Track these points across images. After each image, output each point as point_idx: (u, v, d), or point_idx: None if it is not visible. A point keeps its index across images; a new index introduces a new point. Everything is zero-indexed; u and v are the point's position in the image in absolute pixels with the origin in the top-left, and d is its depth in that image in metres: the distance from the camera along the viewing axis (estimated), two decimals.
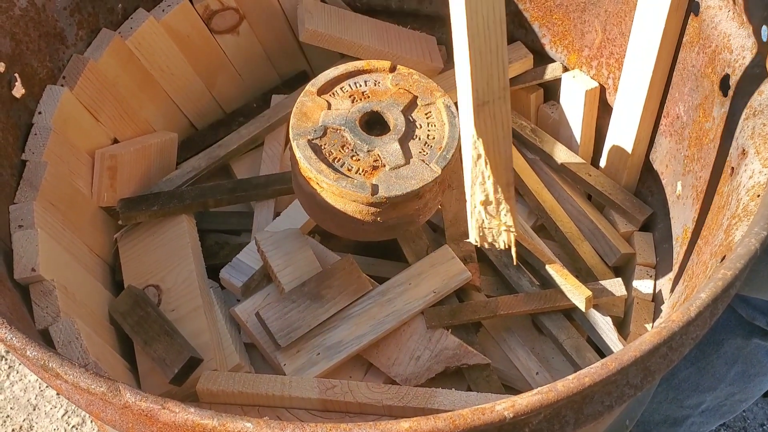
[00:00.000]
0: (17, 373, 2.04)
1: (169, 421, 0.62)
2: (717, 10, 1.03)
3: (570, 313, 1.18)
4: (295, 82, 1.49)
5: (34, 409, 1.98)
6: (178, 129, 1.41)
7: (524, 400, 0.62)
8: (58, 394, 1.92)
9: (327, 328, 1.14)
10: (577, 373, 0.64)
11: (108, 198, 1.23)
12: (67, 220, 1.12)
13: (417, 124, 1.08)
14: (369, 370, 1.17)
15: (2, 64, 1.04)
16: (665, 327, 0.65)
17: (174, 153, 1.37)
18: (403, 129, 1.06)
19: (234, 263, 1.21)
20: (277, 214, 1.30)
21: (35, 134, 1.10)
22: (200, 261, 1.23)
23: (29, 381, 2.02)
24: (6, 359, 2.06)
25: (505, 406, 0.62)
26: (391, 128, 1.07)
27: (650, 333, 0.66)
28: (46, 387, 1.98)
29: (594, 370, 0.64)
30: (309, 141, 1.04)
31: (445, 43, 1.51)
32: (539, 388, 0.63)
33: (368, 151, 1.04)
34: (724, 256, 0.83)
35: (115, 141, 1.29)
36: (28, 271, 0.96)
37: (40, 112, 1.12)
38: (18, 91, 1.08)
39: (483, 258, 1.25)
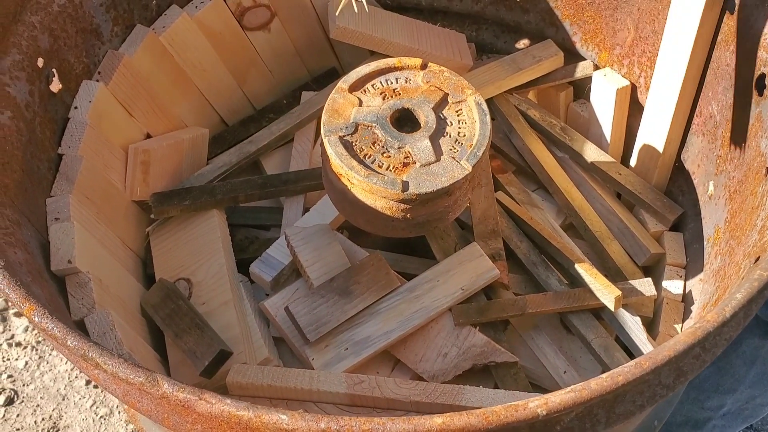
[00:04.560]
0: (47, 363, 2.08)
1: (205, 412, 0.63)
2: (753, 8, 1.02)
3: (599, 312, 1.18)
4: (325, 79, 1.49)
5: (63, 399, 2.01)
6: (209, 125, 1.42)
7: (557, 398, 0.62)
8: (87, 384, 1.95)
9: (355, 324, 1.15)
10: (611, 371, 0.64)
11: (141, 192, 1.24)
12: (101, 214, 1.14)
13: (448, 121, 1.08)
14: (396, 367, 1.18)
15: (41, 59, 1.05)
16: (700, 327, 0.65)
17: (205, 148, 1.38)
18: (434, 126, 1.06)
19: (264, 258, 1.22)
20: (306, 210, 1.31)
21: (71, 128, 1.12)
22: (231, 255, 1.24)
23: (59, 371, 2.05)
24: (36, 349, 2.09)
25: (538, 403, 0.62)
26: (421, 125, 1.07)
27: (684, 333, 0.66)
28: (75, 377, 2.02)
29: (628, 369, 0.63)
30: (340, 137, 1.05)
31: (474, 41, 1.51)
32: (573, 386, 0.63)
33: (399, 148, 1.04)
34: (759, 257, 0.82)
35: (148, 136, 1.30)
36: (65, 263, 0.97)
37: (76, 107, 1.13)
38: (55, 86, 1.09)
39: (511, 256, 1.25)
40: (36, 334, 2.11)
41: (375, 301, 1.16)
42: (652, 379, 0.69)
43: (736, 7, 1.05)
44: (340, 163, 1.02)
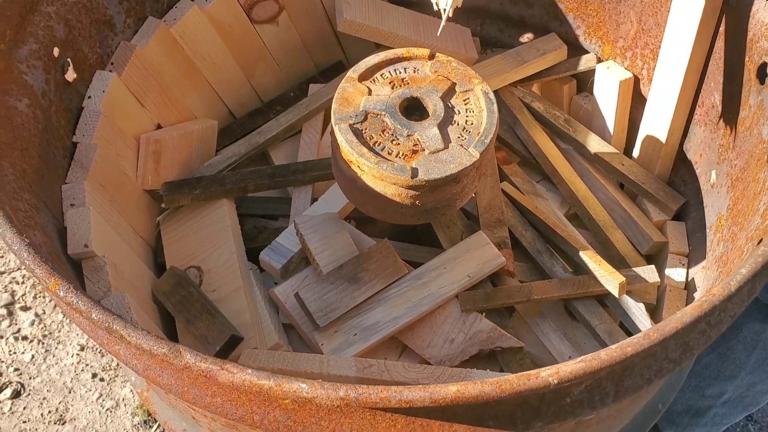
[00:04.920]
0: (53, 356, 2.09)
1: (227, 382, 0.65)
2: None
3: (603, 299, 1.20)
4: (332, 72, 1.52)
5: (70, 392, 2.02)
6: (218, 117, 1.44)
7: (568, 367, 0.64)
8: (93, 377, 1.96)
9: (364, 310, 1.17)
10: (620, 342, 0.66)
11: (152, 181, 1.26)
12: (114, 202, 1.16)
13: (455, 110, 1.10)
14: (403, 353, 1.20)
15: (57, 49, 1.07)
16: (706, 300, 0.67)
17: (214, 140, 1.40)
18: (442, 114, 1.08)
19: (273, 246, 1.24)
20: (314, 200, 1.33)
21: (86, 117, 1.14)
22: (240, 244, 1.26)
23: (65, 365, 2.06)
24: (43, 343, 2.11)
25: (549, 372, 0.64)
26: (430, 114, 1.09)
27: (691, 306, 0.68)
28: (82, 370, 2.03)
29: (636, 340, 0.66)
30: (350, 125, 1.07)
31: (479, 35, 1.53)
32: (583, 357, 0.65)
33: (408, 135, 1.07)
34: (761, 240, 0.84)
35: (158, 127, 1.32)
36: (81, 246, 0.99)
37: (89, 97, 1.15)
38: (70, 75, 1.11)
39: (517, 245, 1.27)
40: (42, 328, 2.13)
41: (383, 288, 1.18)
42: (659, 352, 0.71)
43: None
44: (350, 150, 1.04)
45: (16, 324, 2.15)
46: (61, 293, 0.70)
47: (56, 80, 1.09)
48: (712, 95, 1.16)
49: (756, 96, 1.03)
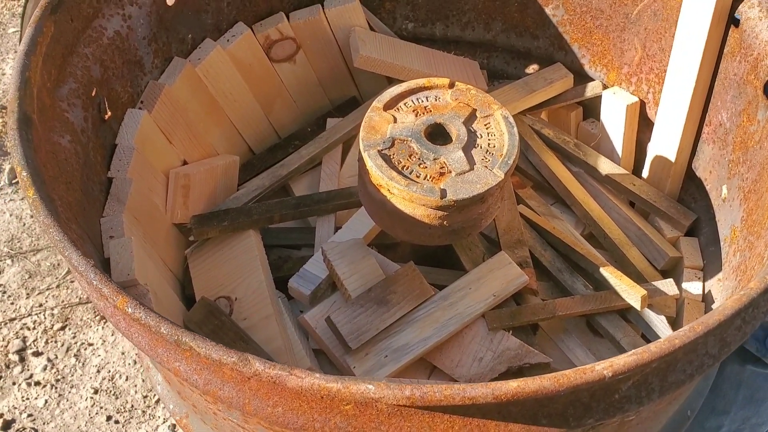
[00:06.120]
0: (67, 401, 2.09)
1: (296, 386, 0.68)
2: (757, 20, 1.11)
3: (624, 313, 1.24)
4: (346, 107, 1.57)
5: None
6: (238, 152, 1.48)
7: (621, 360, 0.68)
8: (107, 419, 1.97)
9: (393, 332, 1.19)
10: (668, 335, 0.69)
11: (181, 215, 1.30)
12: (147, 234, 1.19)
13: (478, 134, 1.15)
14: (432, 374, 1.22)
15: (94, 88, 1.12)
16: (744, 294, 0.71)
17: (236, 174, 1.44)
18: (466, 138, 1.13)
19: (301, 273, 1.28)
20: (337, 228, 1.36)
21: (120, 153, 1.17)
22: (268, 272, 1.29)
23: (78, 408, 2.06)
24: (56, 388, 2.11)
25: (604, 365, 0.67)
26: (453, 138, 1.14)
27: (731, 300, 0.72)
28: (96, 414, 2.03)
29: (683, 333, 0.69)
30: (379, 151, 1.11)
31: (486, 68, 1.60)
32: (634, 350, 0.69)
33: (434, 159, 1.11)
34: None
35: (184, 162, 1.36)
36: (125, 275, 1.02)
37: (123, 134, 1.19)
38: (106, 113, 1.16)
39: (537, 264, 1.31)
40: (55, 373, 2.13)
41: (411, 310, 1.21)
42: (701, 346, 0.74)
43: (741, 21, 1.13)
44: (380, 174, 1.09)
45: (29, 369, 2.16)
46: (130, 310, 0.73)
47: (93, 117, 1.13)
48: (720, 113, 1.22)
49: (764, 111, 1.09)
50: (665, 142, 1.33)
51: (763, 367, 1.31)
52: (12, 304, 2.24)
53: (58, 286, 2.30)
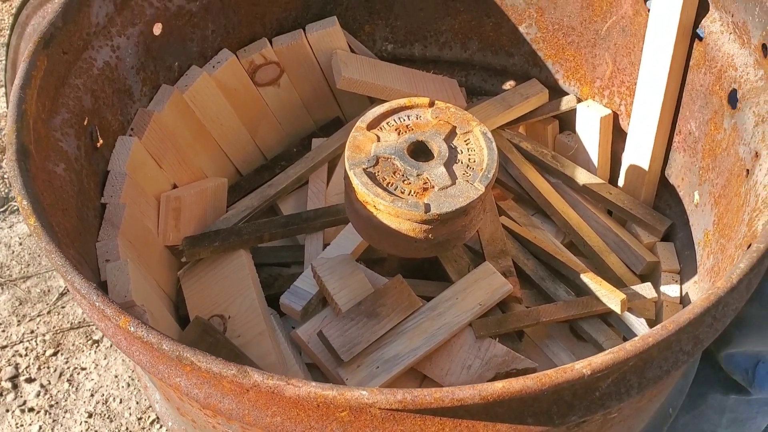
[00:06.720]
0: (61, 426, 2.11)
1: (293, 395, 0.72)
2: (719, 34, 1.16)
3: (606, 317, 1.28)
4: (330, 127, 1.61)
5: None
6: (226, 175, 1.52)
7: (599, 359, 0.72)
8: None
9: (384, 343, 1.23)
10: (642, 334, 0.74)
11: (173, 237, 1.33)
12: (141, 257, 1.23)
13: (458, 150, 1.20)
14: (423, 383, 1.26)
15: (86, 117, 1.15)
16: (712, 293, 0.76)
17: (225, 196, 1.48)
18: (447, 155, 1.18)
19: (292, 290, 1.31)
20: (325, 245, 1.40)
21: (112, 179, 1.21)
22: (260, 290, 1.33)
23: None
24: (49, 413, 2.12)
25: (583, 364, 0.72)
26: (435, 155, 1.19)
27: (700, 299, 0.76)
28: None
29: (656, 332, 0.74)
30: (364, 169, 1.15)
31: (465, 85, 1.65)
32: (610, 349, 0.73)
33: (418, 175, 1.16)
34: (750, 244, 0.94)
35: (174, 186, 1.40)
36: (122, 297, 1.05)
37: (115, 160, 1.23)
38: (97, 141, 1.19)
39: (520, 273, 1.35)
40: (48, 398, 2.14)
41: (400, 321, 1.25)
42: (675, 343, 0.79)
43: (704, 35, 1.19)
44: (366, 191, 1.13)
45: (22, 396, 2.17)
46: (132, 329, 0.76)
47: (86, 146, 1.16)
48: (688, 123, 1.28)
49: (730, 120, 1.14)
50: (638, 151, 1.38)
51: (747, 394, 1.35)
52: (3, 331, 2.26)
53: (48, 312, 2.32)
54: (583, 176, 1.47)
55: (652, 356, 0.78)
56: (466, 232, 1.20)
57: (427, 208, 1.12)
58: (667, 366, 0.81)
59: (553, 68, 1.53)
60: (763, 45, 1.04)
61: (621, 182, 1.45)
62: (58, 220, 1.01)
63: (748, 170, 1.07)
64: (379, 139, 1.20)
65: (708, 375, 1.34)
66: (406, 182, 1.15)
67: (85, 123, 1.16)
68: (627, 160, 1.42)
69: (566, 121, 1.57)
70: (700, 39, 1.20)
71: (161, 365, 0.81)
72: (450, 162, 1.18)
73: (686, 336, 0.79)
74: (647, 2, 1.26)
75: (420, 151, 1.20)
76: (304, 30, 1.52)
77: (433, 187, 1.15)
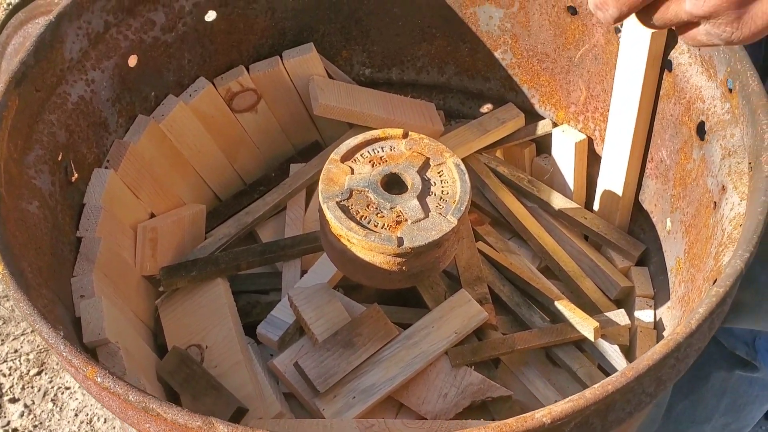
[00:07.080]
0: None
1: None
2: (687, 66, 1.18)
3: (580, 344, 1.29)
4: (309, 152, 1.62)
5: None
6: (205, 201, 1.53)
7: (558, 407, 0.73)
8: None
9: (360, 373, 1.24)
10: (602, 382, 0.75)
11: (150, 267, 1.34)
12: (118, 290, 1.23)
13: (432, 181, 1.21)
14: (400, 411, 1.27)
15: (60, 153, 1.16)
16: (671, 338, 0.77)
17: (203, 223, 1.48)
18: (420, 187, 1.19)
19: (269, 319, 1.32)
20: (303, 272, 1.41)
21: (88, 213, 1.22)
22: (237, 319, 1.34)
23: None
24: None
25: (543, 413, 0.73)
26: (408, 187, 1.20)
27: (659, 344, 0.77)
28: None
29: (615, 378, 0.75)
30: (338, 203, 1.16)
31: (443, 108, 1.66)
32: (570, 397, 0.74)
33: (391, 208, 1.17)
34: (716, 279, 0.95)
35: (152, 215, 1.40)
36: (96, 335, 1.06)
37: (90, 193, 1.23)
38: (72, 175, 1.20)
39: (496, 299, 1.37)
40: (33, 419, 2.15)
41: (377, 351, 1.26)
42: (636, 387, 0.80)
43: (673, 66, 1.21)
44: (339, 225, 1.14)
45: (5, 417, 2.17)
46: (99, 379, 0.77)
47: (60, 181, 1.17)
48: (660, 151, 1.29)
49: (698, 150, 1.16)
50: (612, 177, 1.40)
51: (752, 371, 1.36)
52: None
53: (32, 331, 2.32)
54: (559, 201, 1.48)
55: (614, 400, 0.79)
56: (440, 263, 1.21)
57: (400, 241, 1.13)
58: (630, 408, 0.82)
59: (529, 93, 1.55)
60: (728, 80, 1.06)
61: (596, 206, 1.47)
62: (30, 260, 1.01)
63: (715, 203, 1.08)
64: (353, 172, 1.21)
65: (713, 352, 1.35)
66: (379, 215, 1.16)
67: (60, 158, 1.17)
68: (602, 185, 1.44)
69: (543, 144, 1.58)
70: (670, 69, 1.21)
71: (130, 411, 0.82)
72: (423, 194, 1.19)
73: (648, 379, 0.81)
74: (617, 32, 1.27)
75: (394, 183, 1.21)
76: (281, 57, 1.52)
77: (407, 220, 1.16)
